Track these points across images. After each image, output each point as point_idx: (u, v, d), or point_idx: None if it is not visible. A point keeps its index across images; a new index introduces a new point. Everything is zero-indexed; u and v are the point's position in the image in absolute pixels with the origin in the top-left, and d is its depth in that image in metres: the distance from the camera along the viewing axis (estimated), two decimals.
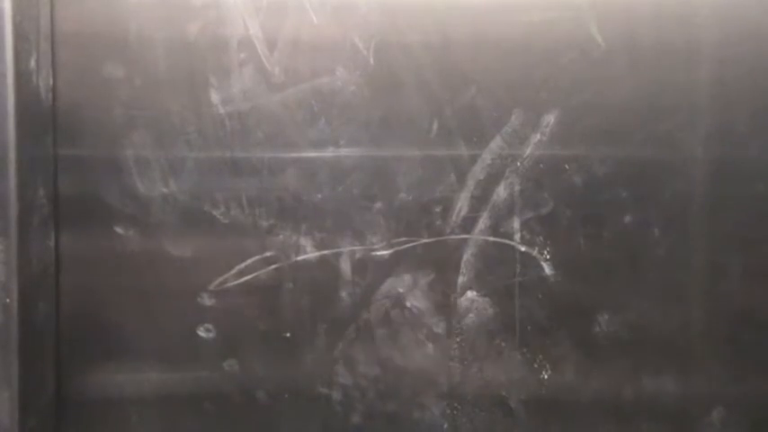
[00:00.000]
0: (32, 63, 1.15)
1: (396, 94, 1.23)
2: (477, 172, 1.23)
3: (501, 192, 1.23)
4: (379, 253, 1.24)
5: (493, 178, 1.23)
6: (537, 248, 1.24)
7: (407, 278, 1.24)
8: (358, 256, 1.24)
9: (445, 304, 1.24)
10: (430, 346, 1.25)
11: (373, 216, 1.24)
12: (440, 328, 1.25)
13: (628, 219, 1.24)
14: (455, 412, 1.25)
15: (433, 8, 1.22)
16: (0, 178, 1.10)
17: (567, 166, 1.23)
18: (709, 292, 1.24)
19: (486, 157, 1.23)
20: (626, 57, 1.22)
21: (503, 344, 1.25)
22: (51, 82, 1.19)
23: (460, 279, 1.24)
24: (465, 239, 1.24)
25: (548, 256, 1.24)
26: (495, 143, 1.23)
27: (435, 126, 1.23)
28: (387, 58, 1.22)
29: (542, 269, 1.24)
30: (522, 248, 1.24)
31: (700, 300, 1.25)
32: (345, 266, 1.24)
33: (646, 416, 1.25)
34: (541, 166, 1.23)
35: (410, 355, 1.25)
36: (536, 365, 1.25)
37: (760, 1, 1.23)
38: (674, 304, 1.24)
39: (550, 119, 1.23)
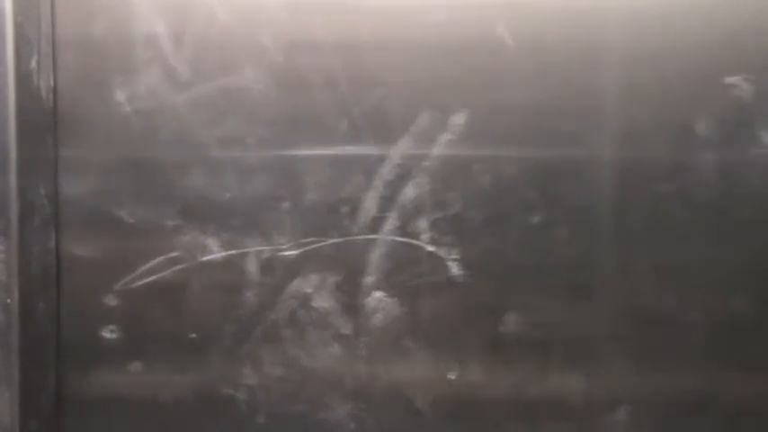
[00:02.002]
0: (33, 64, 1.14)
1: (304, 93, 1.22)
2: (386, 172, 1.23)
3: (409, 192, 1.23)
4: (286, 253, 1.23)
5: (401, 178, 1.23)
6: (445, 248, 1.24)
7: (315, 278, 1.24)
8: (265, 256, 1.23)
9: (352, 305, 1.24)
10: (337, 346, 1.25)
11: (281, 216, 1.23)
12: (347, 328, 1.24)
13: (536, 219, 1.24)
14: (362, 413, 1.25)
15: (341, 8, 1.21)
16: (0, 178, 1.11)
17: (475, 167, 1.23)
18: (615, 293, 1.25)
19: (395, 156, 1.23)
20: (534, 57, 1.22)
21: (410, 344, 1.25)
22: (52, 83, 1.18)
23: (368, 279, 1.24)
24: (373, 239, 1.24)
25: (456, 257, 1.24)
26: (404, 143, 1.23)
27: (344, 126, 1.22)
28: (295, 57, 1.21)
29: (450, 269, 1.24)
30: (430, 248, 1.24)
31: (606, 300, 1.25)
32: (252, 267, 1.23)
33: (553, 415, 1.26)
34: (450, 166, 1.23)
35: (317, 355, 1.25)
36: (443, 365, 1.25)
37: (666, 1, 1.23)
38: (580, 305, 1.25)
39: (459, 119, 1.22)
